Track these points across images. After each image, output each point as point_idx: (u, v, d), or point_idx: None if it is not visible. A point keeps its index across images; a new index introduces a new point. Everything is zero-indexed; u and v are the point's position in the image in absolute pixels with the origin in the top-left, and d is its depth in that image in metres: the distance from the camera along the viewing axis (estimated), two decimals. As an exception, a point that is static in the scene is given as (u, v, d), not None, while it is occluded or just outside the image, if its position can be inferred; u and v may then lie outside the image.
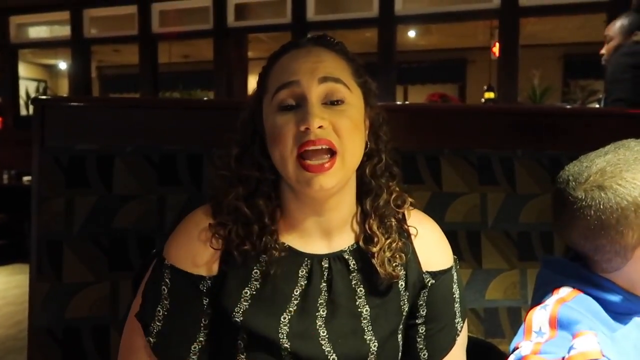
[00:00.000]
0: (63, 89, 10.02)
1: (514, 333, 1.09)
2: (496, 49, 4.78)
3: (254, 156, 0.75)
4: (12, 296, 3.61)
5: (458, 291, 0.81)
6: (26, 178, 4.68)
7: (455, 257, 0.83)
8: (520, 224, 1.12)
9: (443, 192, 1.11)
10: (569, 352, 0.68)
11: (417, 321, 0.80)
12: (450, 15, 4.83)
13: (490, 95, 4.80)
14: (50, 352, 1.00)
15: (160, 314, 0.73)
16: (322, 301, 0.74)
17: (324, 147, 0.67)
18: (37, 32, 6.67)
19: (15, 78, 6.44)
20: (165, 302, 0.73)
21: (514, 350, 0.74)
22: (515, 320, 1.10)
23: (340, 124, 0.69)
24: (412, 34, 7.16)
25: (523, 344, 0.73)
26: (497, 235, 1.11)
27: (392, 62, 4.81)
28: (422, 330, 0.80)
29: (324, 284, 0.75)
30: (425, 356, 0.80)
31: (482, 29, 6.49)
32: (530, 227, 1.12)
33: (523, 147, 1.16)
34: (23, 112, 6.80)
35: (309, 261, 0.75)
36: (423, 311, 0.80)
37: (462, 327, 0.82)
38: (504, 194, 1.13)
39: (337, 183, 0.69)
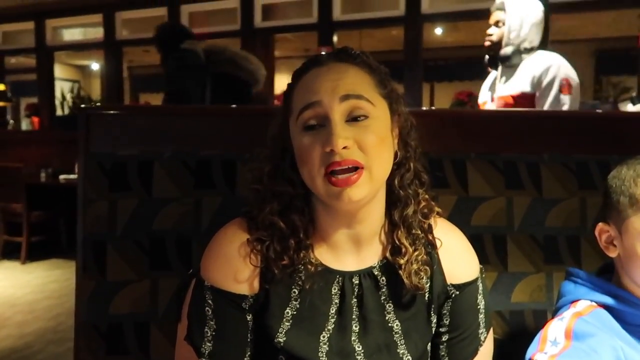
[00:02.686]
0: (95, 88, 10.30)
1: (540, 335, 1.11)
2: (525, 46, 4.71)
3: (286, 172, 0.76)
4: (50, 290, 3.76)
5: (483, 302, 0.83)
6: (62, 176, 4.84)
7: (481, 267, 0.84)
8: (546, 227, 1.13)
9: (469, 196, 1.13)
10: None
11: (440, 329, 0.82)
12: (478, 12, 4.79)
13: (518, 93, 4.73)
14: (95, 346, 1.07)
15: (209, 334, 0.74)
16: (354, 317, 0.76)
17: (350, 166, 0.69)
18: (72, 34, 6.88)
19: (51, 79, 6.66)
20: (212, 322, 0.74)
21: None
22: (541, 322, 1.11)
23: (365, 141, 0.70)
24: (438, 31, 7.10)
25: (538, 357, 0.75)
26: (523, 238, 1.13)
27: (418, 60, 4.80)
28: (445, 338, 0.82)
29: (355, 300, 0.77)
30: None
31: (510, 25, 6.39)
32: (557, 231, 1.14)
33: (549, 151, 1.17)
34: (58, 112, 7.03)
35: (340, 278, 0.77)
36: (446, 320, 0.82)
37: (485, 338, 0.84)
38: (530, 197, 1.14)
39: (366, 195, 0.70)
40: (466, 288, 0.81)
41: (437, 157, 1.14)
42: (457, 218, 1.10)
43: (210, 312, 0.74)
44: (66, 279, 4.02)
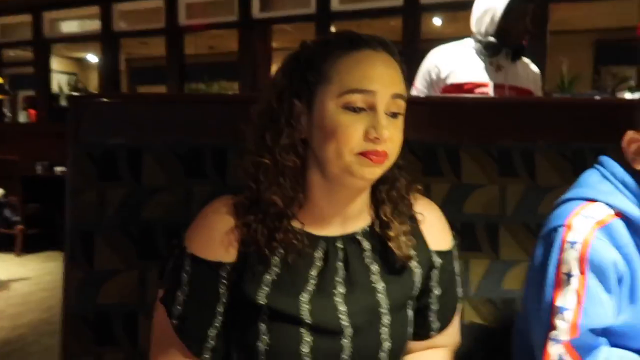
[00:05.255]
0: (93, 81, 10.24)
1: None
2: (524, 36, 4.67)
3: (296, 145, 0.77)
4: (45, 282, 3.76)
5: (457, 265, 0.90)
6: (58, 169, 4.82)
7: (454, 233, 0.90)
8: (539, 215, 1.12)
9: (462, 183, 1.12)
10: None
11: (429, 300, 0.87)
12: (477, 2, 4.75)
13: (517, 83, 4.70)
14: (82, 336, 1.06)
15: (181, 299, 0.79)
16: (339, 279, 0.80)
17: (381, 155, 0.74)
18: (69, 26, 6.84)
19: (48, 72, 6.61)
20: (185, 288, 0.79)
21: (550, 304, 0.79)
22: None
23: (395, 136, 0.75)
24: (437, 21, 7.05)
25: (561, 305, 0.77)
26: (516, 226, 1.12)
27: (417, 51, 4.76)
28: (435, 307, 0.88)
29: (341, 264, 0.81)
30: (437, 327, 0.88)
31: (509, 16, 6.34)
32: (551, 219, 1.12)
33: (544, 139, 1.15)
34: (56, 104, 6.99)
35: (324, 243, 0.81)
36: (437, 291, 0.87)
37: (461, 293, 0.91)
38: (524, 185, 1.13)
39: (378, 176, 0.77)
40: (447, 255, 0.88)
41: (431, 144, 1.13)
42: (450, 206, 1.09)
43: (185, 278, 0.79)
44: (61, 271, 4.00)
